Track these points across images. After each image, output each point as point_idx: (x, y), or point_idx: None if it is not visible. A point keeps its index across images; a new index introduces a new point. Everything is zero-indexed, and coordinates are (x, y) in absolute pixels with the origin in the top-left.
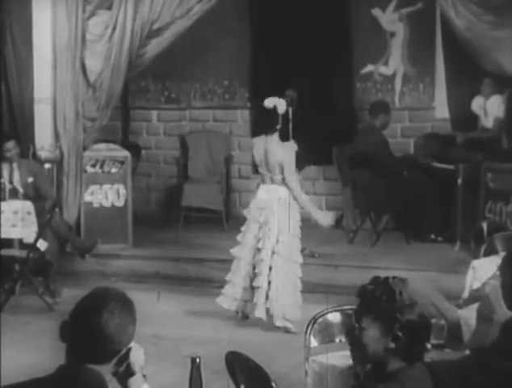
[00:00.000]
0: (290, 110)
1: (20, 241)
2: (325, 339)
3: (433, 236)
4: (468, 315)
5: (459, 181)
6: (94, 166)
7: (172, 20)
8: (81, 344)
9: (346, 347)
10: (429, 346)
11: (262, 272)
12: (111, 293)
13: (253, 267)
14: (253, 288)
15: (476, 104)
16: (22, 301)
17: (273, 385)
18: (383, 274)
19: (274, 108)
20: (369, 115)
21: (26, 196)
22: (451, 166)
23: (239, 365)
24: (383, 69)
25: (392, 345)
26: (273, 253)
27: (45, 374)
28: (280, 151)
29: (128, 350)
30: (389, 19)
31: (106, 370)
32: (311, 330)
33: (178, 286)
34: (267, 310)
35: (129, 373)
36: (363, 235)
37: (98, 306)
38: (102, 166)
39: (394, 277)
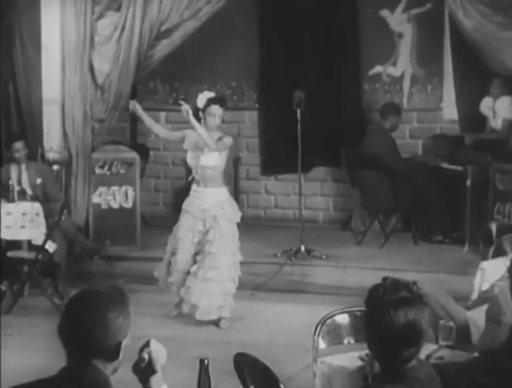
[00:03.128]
0: (298, 111)
1: (29, 242)
2: (333, 340)
3: (441, 237)
4: (477, 317)
5: (468, 182)
6: (102, 167)
7: (181, 21)
8: (71, 344)
9: (355, 349)
10: (419, 353)
11: None
12: (92, 292)
13: None
14: None
15: (485, 105)
16: (30, 303)
17: (281, 386)
18: (391, 275)
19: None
20: (379, 116)
21: (34, 198)
22: (460, 168)
23: (247, 367)
24: (391, 70)
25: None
26: None
27: (48, 376)
28: None
29: (147, 343)
30: (398, 20)
31: (109, 370)
32: (319, 331)
33: None
34: None
35: (151, 370)
36: (372, 236)
37: (81, 309)
38: (110, 168)
39: (408, 280)
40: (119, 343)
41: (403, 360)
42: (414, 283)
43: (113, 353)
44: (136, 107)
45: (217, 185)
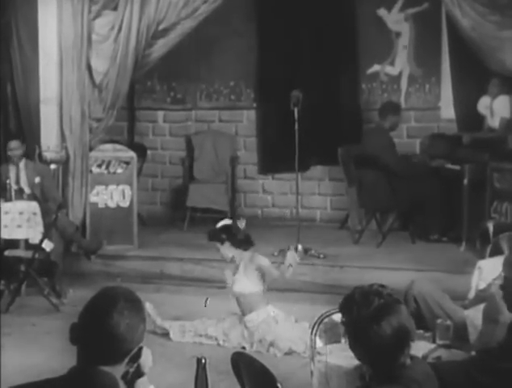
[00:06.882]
0: (296, 110)
1: (26, 241)
2: (330, 339)
3: (438, 236)
4: (474, 316)
5: (465, 181)
6: (99, 166)
7: (178, 20)
8: (92, 346)
9: None
10: (408, 360)
11: None
12: (119, 292)
13: None
14: None
15: (483, 104)
16: (27, 302)
17: (278, 385)
18: (388, 274)
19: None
20: (378, 116)
21: (32, 197)
22: (457, 167)
23: (244, 366)
24: (389, 70)
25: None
26: None
27: (57, 375)
28: None
29: (140, 349)
30: (395, 19)
31: (118, 371)
32: (316, 330)
33: (183, 286)
34: None
35: (138, 374)
36: (369, 235)
37: (108, 307)
38: (107, 167)
39: (372, 285)
40: (141, 348)
41: (400, 364)
42: (382, 286)
43: (125, 357)
44: None
45: (255, 308)
